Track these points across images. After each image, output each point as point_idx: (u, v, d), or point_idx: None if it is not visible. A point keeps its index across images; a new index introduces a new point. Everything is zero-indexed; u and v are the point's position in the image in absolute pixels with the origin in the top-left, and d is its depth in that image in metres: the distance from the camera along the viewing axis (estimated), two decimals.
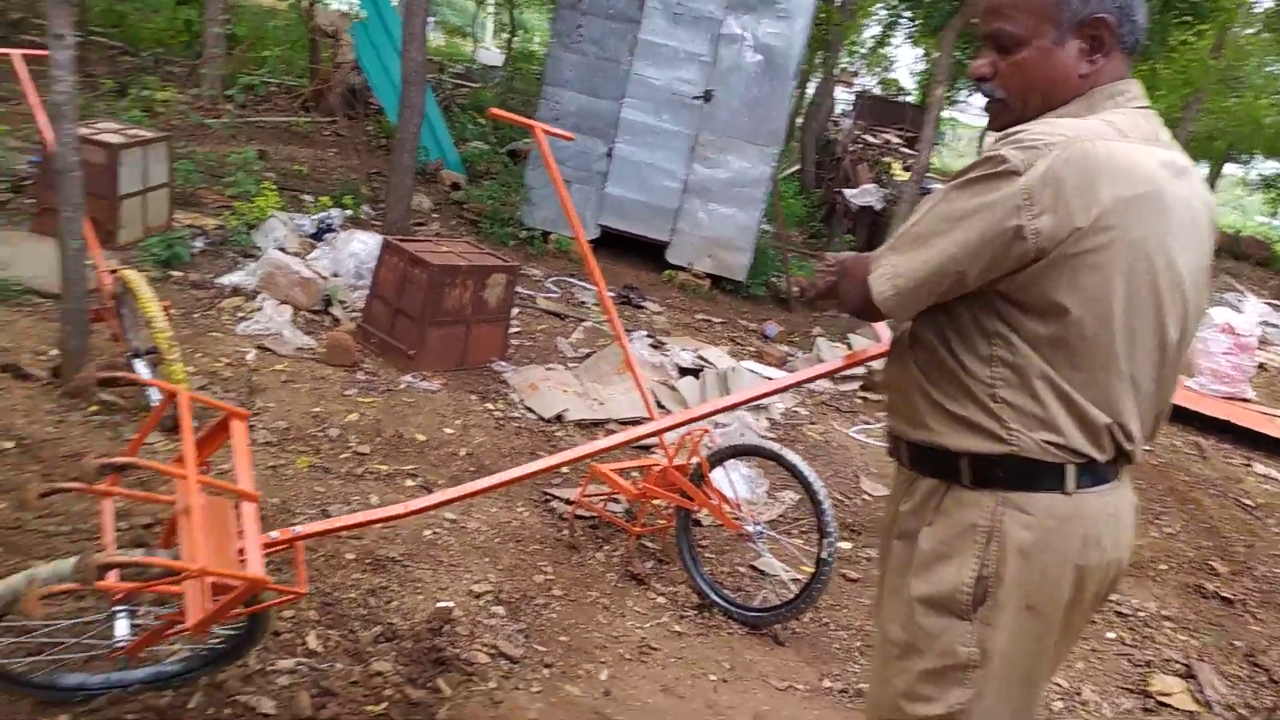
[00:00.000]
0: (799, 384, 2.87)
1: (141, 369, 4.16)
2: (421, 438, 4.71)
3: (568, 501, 4.37)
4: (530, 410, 5.33)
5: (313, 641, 2.94)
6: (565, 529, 4.11)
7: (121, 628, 2.14)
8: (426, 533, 3.81)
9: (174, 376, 3.81)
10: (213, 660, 2.56)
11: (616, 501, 4.35)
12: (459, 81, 16.03)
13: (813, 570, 3.58)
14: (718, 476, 3.84)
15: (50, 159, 5.42)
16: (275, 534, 2.24)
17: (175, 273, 5.83)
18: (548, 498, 4.43)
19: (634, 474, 4.34)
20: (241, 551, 2.08)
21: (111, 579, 1.97)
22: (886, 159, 13.50)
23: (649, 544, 4.16)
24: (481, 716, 2.84)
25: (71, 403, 4.01)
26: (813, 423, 6.17)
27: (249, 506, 2.10)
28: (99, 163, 5.65)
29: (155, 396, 4.09)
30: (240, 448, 2.19)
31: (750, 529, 3.71)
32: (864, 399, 6.91)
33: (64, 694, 2.42)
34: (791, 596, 3.68)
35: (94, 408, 4.03)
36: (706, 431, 3.81)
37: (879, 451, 5.90)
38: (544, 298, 7.44)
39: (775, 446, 3.60)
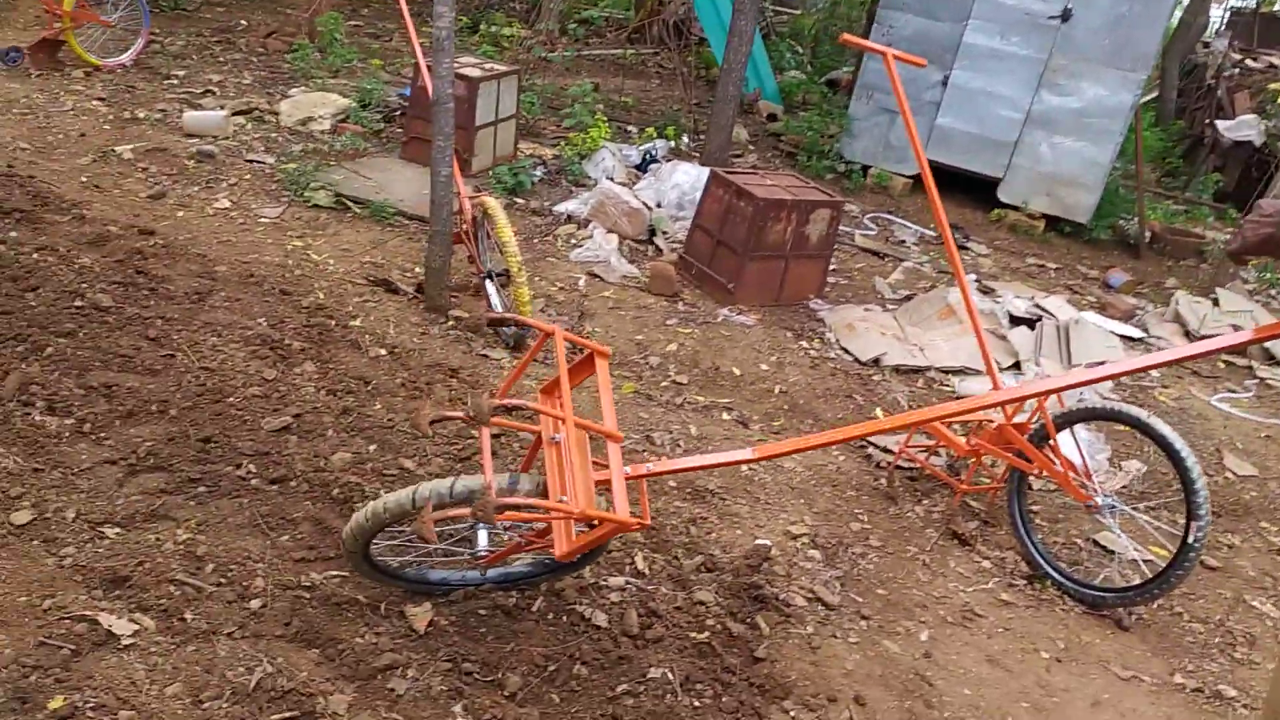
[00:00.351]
0: (1203, 355, 2.50)
1: (491, 290, 4.50)
2: (737, 372, 4.72)
3: (885, 449, 4.21)
4: (846, 351, 5.17)
5: (640, 563, 3.05)
6: (883, 478, 3.96)
7: (483, 539, 2.33)
8: (744, 468, 3.82)
9: (520, 299, 4.07)
10: (554, 569, 2.73)
11: (939, 455, 4.12)
12: (779, 9, 15.69)
13: (1172, 553, 3.18)
14: (1063, 440, 3.50)
15: (420, 92, 5.96)
16: (629, 469, 2.31)
17: (518, 200, 6.23)
18: (864, 444, 4.28)
19: (962, 427, 4.08)
20: (600, 483, 2.18)
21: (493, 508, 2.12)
22: (1273, 86, 11.51)
23: (972, 503, 3.91)
24: (798, 659, 2.82)
25: (433, 317, 4.42)
26: (1165, 387, 5.48)
27: (614, 447, 2.18)
28: (460, 95, 6.10)
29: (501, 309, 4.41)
30: (604, 385, 2.26)
31: (1100, 501, 3.35)
32: (1228, 363, 6.03)
33: (429, 586, 2.70)
34: (1143, 580, 3.30)
35: (450, 323, 4.42)
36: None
37: (1246, 426, 5.14)
38: (861, 235, 7.17)
39: (1142, 413, 3.20)
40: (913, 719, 2.72)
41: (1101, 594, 3.35)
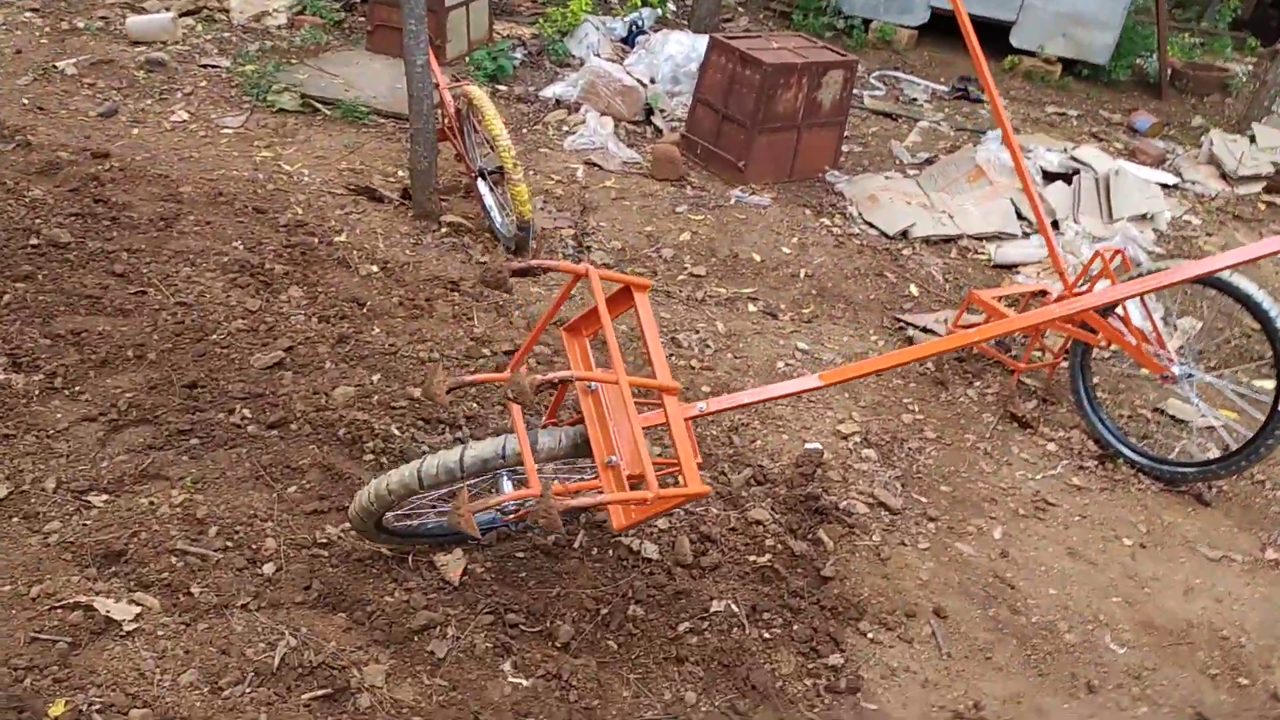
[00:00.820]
0: None
1: (485, 191, 4.10)
2: (757, 258, 4.37)
3: (926, 330, 3.90)
4: (871, 225, 4.81)
5: None
6: (929, 362, 3.67)
7: (506, 485, 2.03)
8: (780, 364, 3.52)
9: (518, 197, 3.69)
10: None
11: None
12: None
13: (1262, 419, 2.91)
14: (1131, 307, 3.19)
15: None
16: (701, 406, 1.99)
17: (500, 87, 5.73)
18: (902, 325, 3.98)
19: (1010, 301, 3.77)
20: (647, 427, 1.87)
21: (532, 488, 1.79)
22: None
23: (1026, 380, 3.63)
24: (868, 574, 2.58)
25: (424, 225, 4.04)
26: (1209, 234, 5.15)
27: (671, 401, 1.86)
28: None
29: (495, 212, 4.03)
30: (648, 322, 1.90)
31: (1176, 370, 3.06)
32: (1269, 204, 5.68)
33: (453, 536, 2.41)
34: (1225, 451, 3.05)
35: (444, 230, 4.04)
36: (1119, 252, 3.13)
37: None
38: (870, 96, 6.68)
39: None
40: (999, 627, 2.50)
41: (1181, 469, 3.10)
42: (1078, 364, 3.33)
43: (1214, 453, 3.17)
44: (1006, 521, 2.89)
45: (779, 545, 2.59)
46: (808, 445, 3.03)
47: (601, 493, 1.74)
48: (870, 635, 2.39)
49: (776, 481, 2.84)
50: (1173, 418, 3.51)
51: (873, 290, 4.25)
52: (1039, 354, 3.62)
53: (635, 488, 1.83)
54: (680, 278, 4.14)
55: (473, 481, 2.17)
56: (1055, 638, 2.49)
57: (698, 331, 3.64)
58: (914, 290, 4.27)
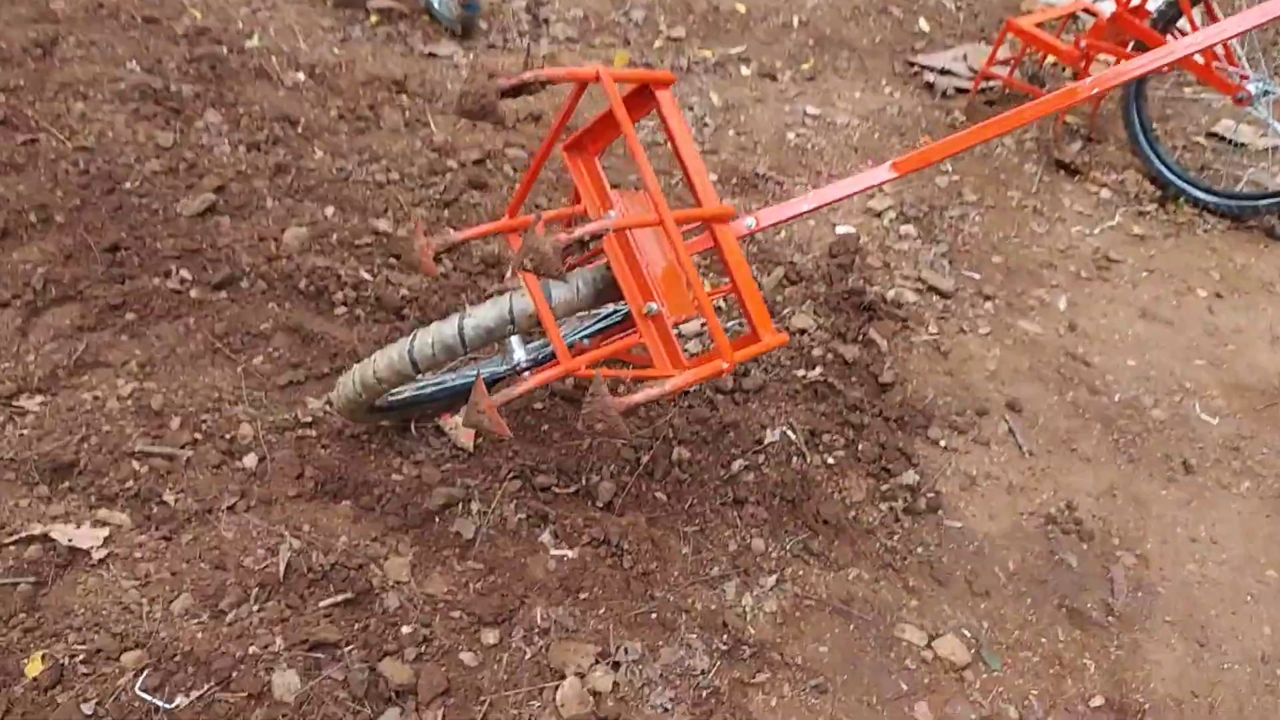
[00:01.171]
0: None
1: None
2: (741, 8, 3.78)
3: (945, 71, 3.42)
4: None
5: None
6: (956, 110, 3.22)
7: (518, 351, 1.64)
8: (791, 136, 3.06)
9: None
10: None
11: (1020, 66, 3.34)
12: None
13: None
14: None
15: None
16: (749, 222, 1.57)
17: None
18: (917, 69, 3.48)
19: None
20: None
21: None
22: None
23: (1068, 119, 3.21)
24: (930, 372, 2.29)
25: (349, 15, 3.40)
26: None
27: (723, 229, 1.43)
28: None
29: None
30: (678, 129, 1.43)
31: (1252, 88, 2.64)
32: None
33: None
34: None
35: (375, 19, 3.41)
36: None
37: None
38: None
39: None
40: (1079, 413, 2.24)
41: (1251, 202, 2.76)
42: (1133, 94, 2.90)
43: None
44: (1069, 287, 2.57)
45: (828, 354, 2.27)
46: (839, 229, 2.65)
47: (663, 374, 1.36)
48: (943, 442, 2.12)
49: (812, 279, 2.48)
50: (1230, 141, 3.12)
51: (877, 31, 3.71)
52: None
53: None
54: (657, 44, 3.57)
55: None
56: (1141, 415, 2.24)
57: (691, 108, 3.14)
58: (924, 25, 3.73)
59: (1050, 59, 3.19)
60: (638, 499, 1.95)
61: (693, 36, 3.63)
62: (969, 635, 1.79)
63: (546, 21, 3.61)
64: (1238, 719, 1.71)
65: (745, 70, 3.44)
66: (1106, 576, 1.90)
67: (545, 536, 1.88)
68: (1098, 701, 1.70)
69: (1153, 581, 1.89)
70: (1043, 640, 1.79)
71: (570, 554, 1.85)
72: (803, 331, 2.31)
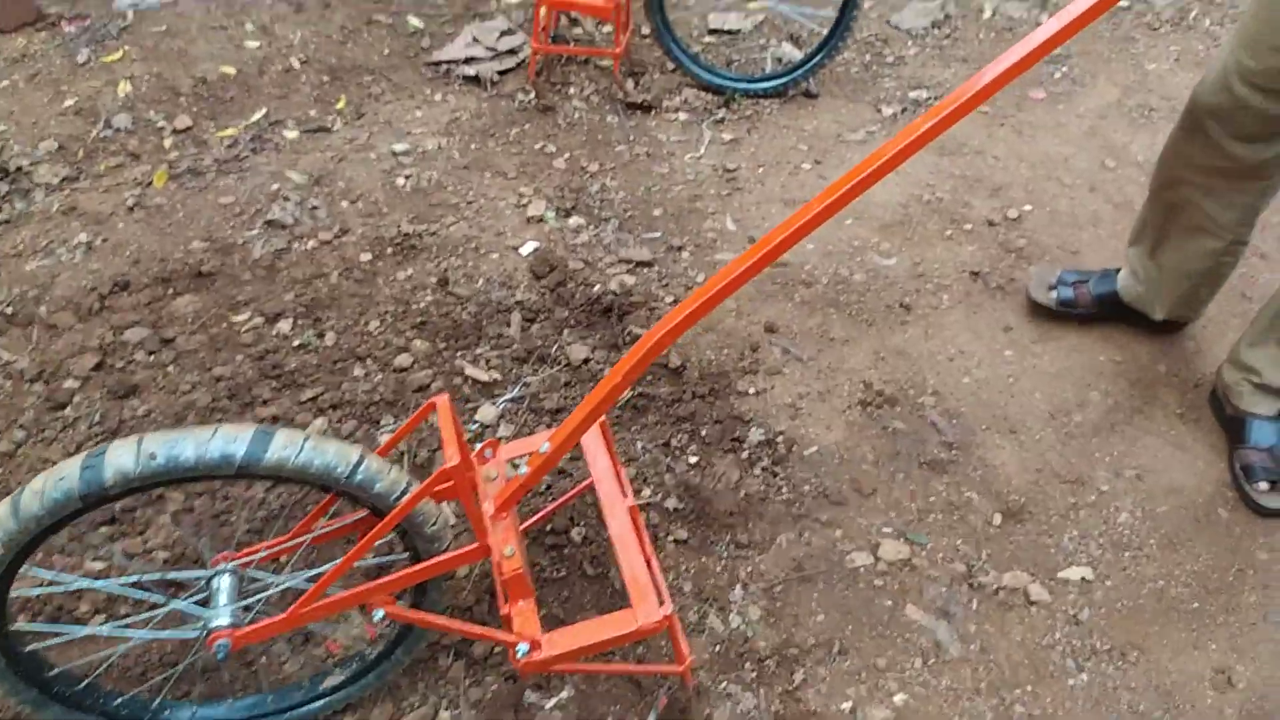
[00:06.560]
0: None
1: None
2: (230, 70, 3.39)
3: (467, 60, 3.42)
4: None
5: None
6: (516, 93, 3.26)
7: (225, 594, 1.34)
8: (400, 180, 2.89)
9: None
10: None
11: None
12: None
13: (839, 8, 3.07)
14: None
15: None
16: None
17: None
18: (445, 69, 3.44)
19: None
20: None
21: None
22: None
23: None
24: (693, 337, 2.42)
25: None
26: None
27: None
28: None
29: None
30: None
31: None
32: None
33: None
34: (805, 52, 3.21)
35: None
36: None
37: None
38: None
39: None
40: (812, 307, 2.53)
41: (782, 79, 3.23)
42: (659, 20, 3.17)
43: (800, 52, 3.35)
44: (723, 209, 2.83)
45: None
46: (524, 250, 2.62)
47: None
48: (751, 390, 2.29)
49: (549, 307, 2.44)
50: (727, 31, 3.59)
51: (378, 45, 3.57)
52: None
53: None
54: (168, 143, 3.09)
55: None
56: (849, 285, 2.60)
57: (286, 199, 2.80)
58: (415, 22, 3.67)
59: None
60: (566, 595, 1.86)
61: (201, 120, 3.20)
62: (891, 531, 2.02)
63: (19, 170, 2.94)
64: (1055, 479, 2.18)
65: (290, 134, 3.13)
66: (929, 422, 2.24)
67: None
68: (997, 519, 2.05)
69: (954, 407, 2.28)
70: (931, 499, 2.09)
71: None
72: (585, 361, 2.30)
